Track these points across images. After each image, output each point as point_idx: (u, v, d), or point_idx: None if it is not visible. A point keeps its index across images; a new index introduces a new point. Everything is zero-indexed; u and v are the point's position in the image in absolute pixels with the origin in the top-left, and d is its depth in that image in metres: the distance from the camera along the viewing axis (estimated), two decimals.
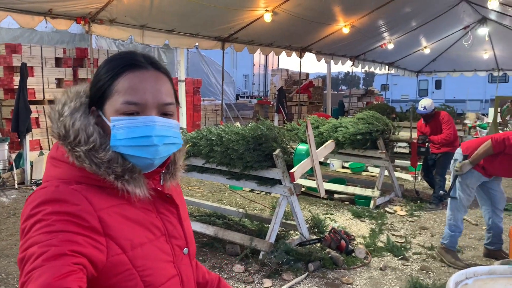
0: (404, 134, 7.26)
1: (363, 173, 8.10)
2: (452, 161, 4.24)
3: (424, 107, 6.08)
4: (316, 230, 4.65)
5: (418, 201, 6.17)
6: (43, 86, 8.49)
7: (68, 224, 0.86)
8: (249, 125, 4.44)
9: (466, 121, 14.14)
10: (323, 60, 12.48)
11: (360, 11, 9.64)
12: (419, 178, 6.89)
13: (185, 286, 1.06)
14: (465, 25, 12.49)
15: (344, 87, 42.87)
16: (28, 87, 6.91)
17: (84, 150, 0.94)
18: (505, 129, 14.67)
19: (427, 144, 6.03)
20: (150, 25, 7.78)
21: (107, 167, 0.95)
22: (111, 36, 7.73)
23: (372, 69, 15.68)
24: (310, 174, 4.28)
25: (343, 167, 8.48)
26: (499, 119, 13.98)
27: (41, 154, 7.48)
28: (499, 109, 13.82)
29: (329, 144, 4.44)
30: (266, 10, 8.43)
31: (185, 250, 1.08)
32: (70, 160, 0.95)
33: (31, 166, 6.92)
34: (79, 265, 0.83)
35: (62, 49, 9.27)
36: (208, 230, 4.45)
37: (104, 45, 12.51)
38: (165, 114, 1.00)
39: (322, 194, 4.21)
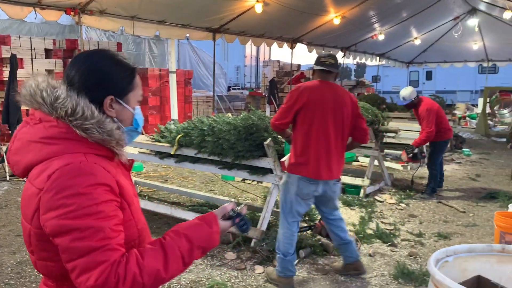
0: (393, 124, 7.35)
1: (354, 162, 8.19)
2: None
3: (403, 98, 5.95)
4: (306, 218, 4.73)
5: (408, 190, 6.26)
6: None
7: (107, 193, 1.10)
8: (241, 115, 4.48)
9: (456, 112, 14.26)
10: (314, 51, 12.50)
11: (351, 2, 9.65)
12: (419, 166, 6.80)
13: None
14: (455, 16, 12.57)
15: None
16: (17, 78, 6.86)
17: (93, 122, 1.15)
18: (494, 119, 14.87)
19: (416, 150, 5.86)
20: (141, 16, 7.74)
21: (110, 136, 1.18)
22: (101, 27, 7.70)
23: (363, 60, 15.72)
24: None
25: None
26: (488, 110, 14.15)
27: None
28: (488, 100, 13.98)
29: None
30: (257, 1, 8.41)
31: None
32: (77, 134, 1.14)
33: None
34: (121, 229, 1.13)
35: (52, 40, 9.19)
36: None
37: (94, 36, 12.42)
38: None
39: None
